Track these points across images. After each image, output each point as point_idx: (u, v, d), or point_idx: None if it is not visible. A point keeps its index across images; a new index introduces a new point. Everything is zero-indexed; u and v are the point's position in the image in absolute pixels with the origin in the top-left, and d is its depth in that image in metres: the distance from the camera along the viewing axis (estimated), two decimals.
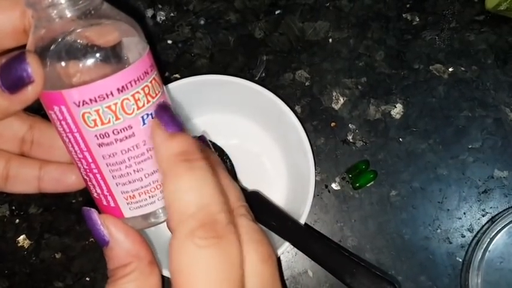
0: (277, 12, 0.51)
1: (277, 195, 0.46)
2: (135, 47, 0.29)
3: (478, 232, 0.47)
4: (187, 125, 0.48)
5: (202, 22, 0.51)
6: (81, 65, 0.27)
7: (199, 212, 0.25)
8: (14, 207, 0.49)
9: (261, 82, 0.48)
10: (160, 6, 0.51)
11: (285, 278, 0.47)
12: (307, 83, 0.50)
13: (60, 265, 0.48)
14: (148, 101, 0.28)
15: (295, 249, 0.47)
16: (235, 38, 0.51)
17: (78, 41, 0.27)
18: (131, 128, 0.27)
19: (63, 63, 0.27)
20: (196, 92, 0.44)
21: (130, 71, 0.27)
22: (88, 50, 0.27)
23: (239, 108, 0.47)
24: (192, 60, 0.51)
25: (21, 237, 0.49)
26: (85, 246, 0.48)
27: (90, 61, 0.27)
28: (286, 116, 0.43)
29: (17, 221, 0.49)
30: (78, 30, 0.27)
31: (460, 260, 0.47)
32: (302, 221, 0.41)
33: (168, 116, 0.28)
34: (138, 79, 0.27)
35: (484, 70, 0.50)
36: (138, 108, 0.27)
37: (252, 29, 0.51)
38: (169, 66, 0.51)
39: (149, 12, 0.51)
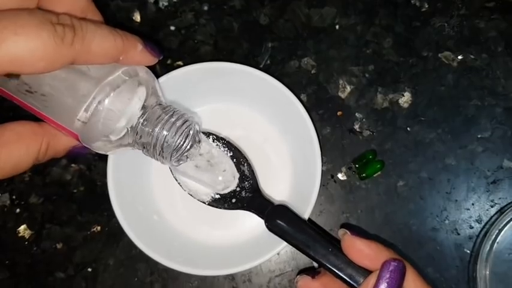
0: None
1: (283, 185, 0.45)
2: None
3: (486, 223, 0.47)
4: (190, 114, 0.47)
5: (205, 8, 0.50)
6: None
7: None
8: (14, 197, 0.48)
9: (266, 70, 0.47)
10: None
11: (290, 269, 0.47)
12: (313, 71, 0.49)
13: (61, 255, 0.48)
14: None
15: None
16: (239, 24, 0.50)
17: None
18: None
19: None
20: (200, 80, 0.43)
21: None
22: None
23: (243, 96, 0.46)
24: (196, 47, 0.50)
25: (22, 227, 0.48)
26: (87, 236, 0.48)
27: None
28: (292, 104, 0.42)
29: (18, 210, 0.48)
30: None
31: (468, 251, 0.46)
32: (308, 212, 0.40)
33: None
34: None
35: (494, 58, 0.49)
36: None
37: (256, 15, 0.50)
38: (172, 53, 0.50)
39: None
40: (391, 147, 0.48)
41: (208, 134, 0.41)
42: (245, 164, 0.40)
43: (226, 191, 0.39)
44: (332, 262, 0.32)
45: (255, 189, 0.40)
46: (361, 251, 0.30)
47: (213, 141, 0.40)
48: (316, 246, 0.33)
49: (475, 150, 0.48)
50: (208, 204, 0.40)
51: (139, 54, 0.31)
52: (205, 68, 0.42)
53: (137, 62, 0.31)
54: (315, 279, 0.32)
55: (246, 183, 0.39)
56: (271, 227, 0.36)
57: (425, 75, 0.49)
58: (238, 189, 0.40)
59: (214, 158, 0.38)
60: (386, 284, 0.27)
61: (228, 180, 0.39)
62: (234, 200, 0.40)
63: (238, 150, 0.41)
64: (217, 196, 0.39)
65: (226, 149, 0.40)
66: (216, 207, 0.40)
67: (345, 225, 0.47)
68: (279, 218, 0.36)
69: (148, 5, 0.50)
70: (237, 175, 0.39)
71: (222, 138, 0.41)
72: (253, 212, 0.39)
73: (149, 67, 0.50)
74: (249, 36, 0.50)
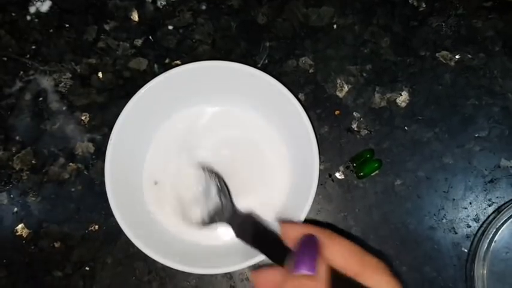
0: None
1: (281, 184, 0.45)
2: None
3: (484, 222, 0.47)
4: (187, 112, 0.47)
5: (203, 7, 0.50)
6: None
7: None
8: (12, 196, 0.48)
9: (263, 69, 0.47)
10: None
11: None
12: (311, 70, 0.49)
13: (59, 254, 0.47)
14: None
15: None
16: (237, 23, 0.50)
17: None
18: None
19: None
20: (198, 79, 0.43)
21: None
22: None
23: (241, 95, 0.46)
24: (194, 47, 0.50)
25: (20, 226, 0.48)
26: (84, 235, 0.48)
27: None
28: (290, 103, 0.42)
29: (15, 209, 0.48)
30: None
31: (466, 250, 0.46)
32: (305, 211, 0.40)
33: None
34: None
35: (491, 57, 0.49)
36: None
37: (254, 15, 0.50)
38: (170, 52, 0.50)
39: None
40: (388, 146, 0.48)
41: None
42: (220, 180, 0.44)
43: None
44: (274, 253, 0.34)
45: (228, 197, 0.43)
46: (292, 237, 0.31)
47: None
48: (273, 249, 0.35)
49: (472, 149, 0.48)
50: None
51: None
52: (203, 66, 0.42)
53: None
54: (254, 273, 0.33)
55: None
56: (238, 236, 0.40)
57: (422, 74, 0.49)
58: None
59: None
60: (300, 257, 0.29)
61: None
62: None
63: (212, 170, 0.45)
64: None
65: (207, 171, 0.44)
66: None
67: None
68: (245, 224, 0.39)
69: (146, 4, 0.50)
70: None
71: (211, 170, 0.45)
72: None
73: (147, 67, 0.50)
74: (246, 35, 0.50)
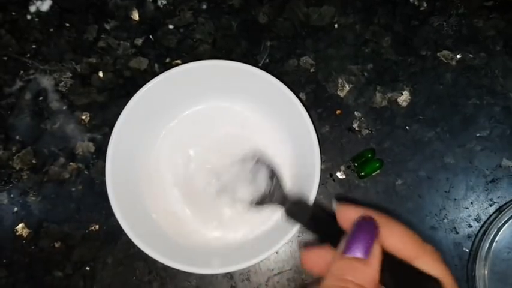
0: None
1: None
2: None
3: (485, 222, 0.46)
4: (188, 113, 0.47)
5: (204, 6, 0.50)
6: None
7: None
8: (12, 195, 0.48)
9: (264, 68, 0.47)
10: None
11: (289, 268, 0.47)
12: (312, 70, 0.49)
13: (59, 254, 0.47)
14: None
15: (299, 238, 0.47)
16: (238, 23, 0.50)
17: None
18: None
19: None
20: (199, 78, 0.43)
21: None
22: None
23: (242, 95, 0.46)
24: (194, 46, 0.50)
25: (20, 225, 0.48)
26: (85, 235, 0.47)
27: None
28: (291, 103, 0.41)
29: (16, 209, 0.48)
30: None
31: (467, 250, 0.46)
32: None
33: None
34: None
35: (492, 57, 0.49)
36: None
37: (255, 14, 0.50)
38: (171, 51, 0.49)
39: None
40: (389, 146, 0.48)
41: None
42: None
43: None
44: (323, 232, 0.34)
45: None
46: (349, 218, 0.30)
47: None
48: (319, 223, 0.34)
49: (473, 149, 0.48)
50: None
51: None
52: (204, 66, 0.42)
53: None
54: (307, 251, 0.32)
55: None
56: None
57: (424, 74, 0.49)
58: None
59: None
60: (355, 239, 0.28)
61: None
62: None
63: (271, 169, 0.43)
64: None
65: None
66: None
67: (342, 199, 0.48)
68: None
69: (147, 3, 0.50)
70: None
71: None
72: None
73: (148, 66, 0.50)
74: (247, 34, 0.50)
